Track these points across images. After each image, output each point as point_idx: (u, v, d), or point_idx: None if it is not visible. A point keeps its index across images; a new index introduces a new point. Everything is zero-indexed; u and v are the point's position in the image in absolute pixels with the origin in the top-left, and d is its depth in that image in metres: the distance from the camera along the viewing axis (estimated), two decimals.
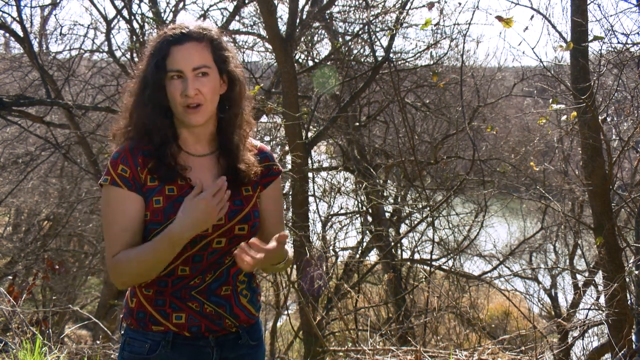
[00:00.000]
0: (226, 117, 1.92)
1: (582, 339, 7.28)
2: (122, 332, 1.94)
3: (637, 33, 11.35)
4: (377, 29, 8.40)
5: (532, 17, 5.61)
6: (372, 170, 8.75)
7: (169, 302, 1.87)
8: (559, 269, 11.64)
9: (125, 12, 8.89)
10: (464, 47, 6.49)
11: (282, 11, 11.28)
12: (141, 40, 8.46)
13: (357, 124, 9.58)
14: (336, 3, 8.82)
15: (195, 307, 1.87)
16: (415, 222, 9.21)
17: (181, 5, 9.45)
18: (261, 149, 2.03)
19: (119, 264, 1.81)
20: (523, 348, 4.69)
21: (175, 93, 1.82)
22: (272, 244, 1.78)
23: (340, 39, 9.09)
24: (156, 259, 1.77)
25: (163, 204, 1.83)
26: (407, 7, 7.84)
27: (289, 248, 2.01)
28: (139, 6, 12.48)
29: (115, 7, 9.01)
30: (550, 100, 5.79)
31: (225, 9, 9.40)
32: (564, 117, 6.94)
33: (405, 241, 9.94)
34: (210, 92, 1.84)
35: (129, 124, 1.90)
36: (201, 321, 1.88)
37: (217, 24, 8.61)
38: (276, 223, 2.05)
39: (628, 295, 5.40)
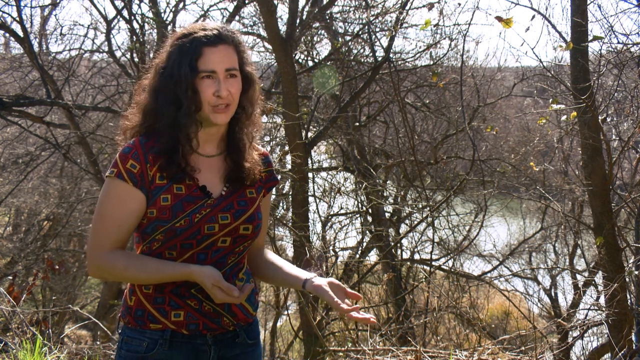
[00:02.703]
0: (239, 117, 1.95)
1: (582, 339, 7.27)
2: (120, 330, 1.95)
3: (637, 33, 11.35)
4: (377, 29, 8.40)
5: (533, 17, 5.60)
6: (372, 170, 8.74)
7: (168, 300, 1.88)
8: (558, 269, 11.64)
9: (125, 12, 8.90)
10: (463, 47, 6.48)
11: (282, 11, 11.29)
12: (141, 40, 8.47)
13: (357, 124, 9.58)
14: (336, 3, 8.83)
15: (194, 305, 1.88)
16: (415, 222, 9.19)
17: (181, 5, 9.46)
18: (264, 154, 2.08)
19: (111, 264, 1.84)
20: (523, 348, 4.69)
21: (207, 92, 1.84)
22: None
23: (340, 39, 9.09)
24: (158, 279, 1.84)
25: (171, 201, 1.85)
26: (407, 8, 7.85)
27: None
28: (139, 6, 12.47)
29: (115, 7, 9.03)
30: (550, 100, 5.79)
31: (225, 9, 9.41)
32: (564, 117, 6.94)
33: (405, 241, 9.93)
34: (237, 93, 1.89)
35: (146, 121, 1.90)
36: (199, 319, 1.89)
37: None
38: (264, 229, 2.13)
39: (628, 295, 5.39)
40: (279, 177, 7.53)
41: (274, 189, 2.17)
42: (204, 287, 1.80)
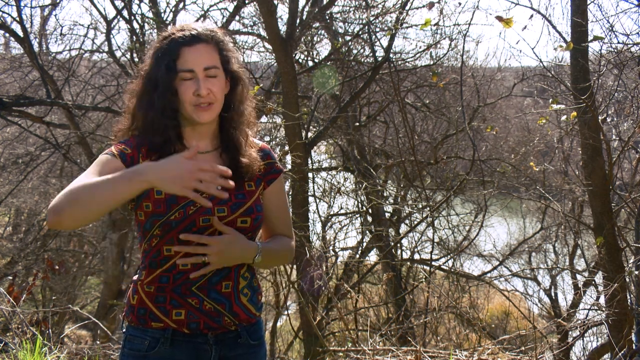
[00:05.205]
0: (229, 116, 1.96)
1: (582, 339, 7.27)
2: (124, 330, 1.96)
3: (637, 33, 11.33)
4: (377, 29, 8.40)
5: (532, 16, 5.60)
6: (372, 170, 8.74)
7: (169, 299, 1.89)
8: (558, 269, 11.63)
9: (125, 12, 8.90)
10: (464, 47, 6.47)
11: (282, 11, 11.28)
12: (141, 40, 8.47)
13: (357, 124, 9.57)
14: (336, 3, 8.82)
15: (194, 304, 1.89)
16: (415, 222, 9.20)
17: (181, 5, 9.45)
18: (262, 147, 2.07)
19: (66, 192, 1.65)
20: (523, 348, 4.70)
21: (187, 92, 1.85)
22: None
23: (340, 39, 9.08)
24: (107, 189, 1.62)
25: (165, 194, 1.85)
26: (407, 7, 7.84)
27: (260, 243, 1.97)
28: (139, 6, 12.45)
29: (115, 7, 9.03)
30: (550, 100, 5.80)
31: (225, 9, 9.40)
32: (564, 117, 6.94)
33: (405, 241, 9.93)
34: (219, 92, 1.90)
35: (133, 124, 1.94)
36: (200, 318, 1.89)
37: (217, 24, 8.60)
38: (283, 222, 2.09)
39: (628, 295, 5.39)
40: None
41: (286, 182, 2.15)
42: (172, 172, 1.61)
